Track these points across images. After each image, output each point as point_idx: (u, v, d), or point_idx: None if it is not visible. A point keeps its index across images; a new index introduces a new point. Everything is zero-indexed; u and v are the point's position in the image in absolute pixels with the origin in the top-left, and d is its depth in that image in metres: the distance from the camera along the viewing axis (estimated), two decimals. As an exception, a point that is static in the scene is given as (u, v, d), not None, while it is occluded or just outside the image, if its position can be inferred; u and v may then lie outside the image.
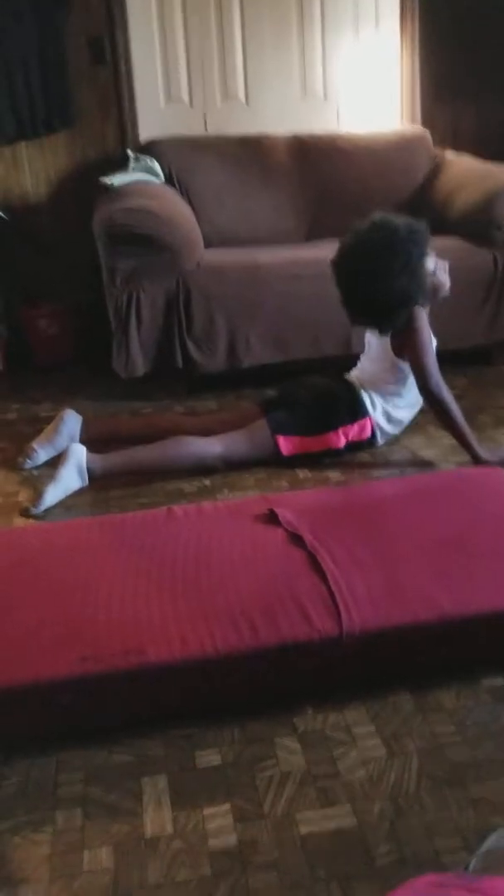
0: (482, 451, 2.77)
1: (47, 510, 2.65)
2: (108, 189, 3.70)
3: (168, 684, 1.77)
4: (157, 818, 1.53)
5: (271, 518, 2.23)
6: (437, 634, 1.83)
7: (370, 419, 2.93)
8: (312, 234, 4.18)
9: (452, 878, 0.88)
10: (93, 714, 1.77)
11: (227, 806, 1.55)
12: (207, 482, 2.81)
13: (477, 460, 2.77)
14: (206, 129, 4.35)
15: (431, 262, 2.84)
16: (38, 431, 3.09)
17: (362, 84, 4.47)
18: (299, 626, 1.80)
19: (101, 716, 1.78)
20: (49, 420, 3.10)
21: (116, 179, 3.75)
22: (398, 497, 2.36)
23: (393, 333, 2.87)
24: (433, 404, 2.83)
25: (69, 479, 2.73)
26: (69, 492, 2.73)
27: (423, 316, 2.82)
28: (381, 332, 2.90)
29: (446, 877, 0.88)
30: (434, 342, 2.86)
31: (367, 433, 2.95)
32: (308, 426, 2.90)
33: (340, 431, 2.91)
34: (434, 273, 2.85)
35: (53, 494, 2.68)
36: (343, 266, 2.84)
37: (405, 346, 2.83)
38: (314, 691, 1.82)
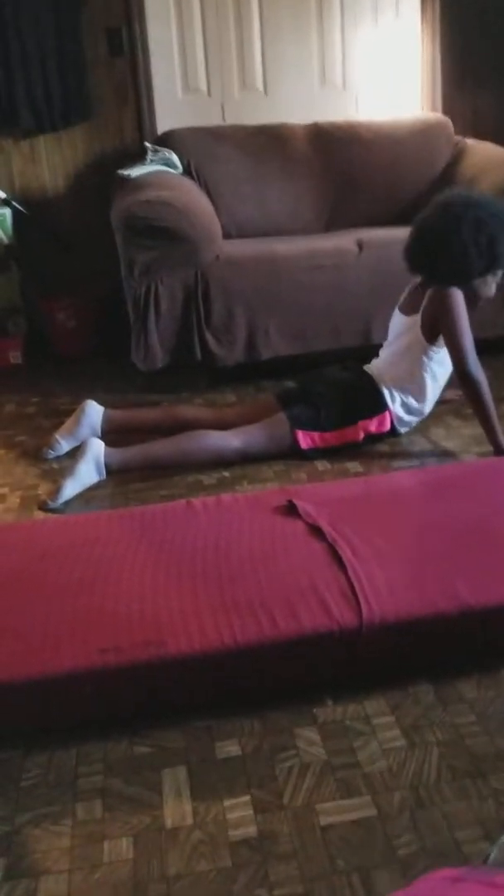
0: None
1: (67, 503, 2.66)
2: (127, 181, 3.70)
3: (188, 676, 1.77)
4: (177, 809, 1.53)
5: (290, 510, 2.23)
6: (457, 625, 1.82)
7: (389, 412, 2.92)
8: (332, 223, 4.16)
9: (469, 871, 0.87)
10: (113, 706, 1.77)
11: (247, 797, 1.55)
12: (227, 474, 2.80)
13: (499, 450, 2.75)
14: (223, 120, 4.33)
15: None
16: (58, 424, 3.09)
17: (382, 72, 4.44)
18: (319, 617, 1.80)
19: (123, 707, 1.78)
20: (68, 413, 3.11)
21: (134, 172, 3.74)
22: (418, 488, 2.35)
23: (426, 314, 2.85)
24: (468, 385, 2.80)
25: (86, 474, 2.74)
26: (86, 486, 2.74)
27: (459, 296, 2.80)
28: (430, 281, 2.89)
29: (463, 871, 0.87)
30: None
31: (387, 426, 2.93)
32: (327, 421, 2.89)
33: (360, 425, 2.90)
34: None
35: (71, 489, 2.69)
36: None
37: (441, 326, 2.81)
38: (334, 682, 1.81)
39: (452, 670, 1.82)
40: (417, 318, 2.88)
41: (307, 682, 1.82)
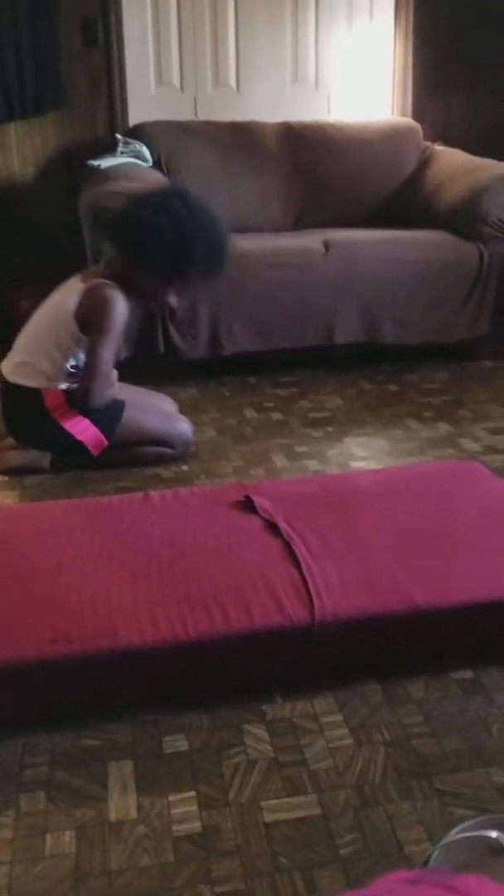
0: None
1: (23, 488, 2.64)
2: (96, 171, 3.67)
3: (138, 668, 1.76)
4: (121, 803, 1.52)
5: (247, 505, 2.22)
6: (408, 625, 1.83)
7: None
8: (299, 223, 4.16)
9: (426, 874, 0.88)
10: (62, 696, 1.76)
11: (192, 792, 1.54)
12: (185, 468, 2.80)
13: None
14: (195, 115, 4.33)
15: None
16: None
17: (354, 75, 4.46)
18: (272, 612, 1.79)
19: (70, 698, 1.76)
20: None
21: (105, 163, 3.72)
22: (374, 488, 2.35)
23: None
24: None
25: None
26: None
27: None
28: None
29: (420, 873, 0.88)
30: None
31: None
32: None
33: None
34: None
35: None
36: None
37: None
38: (284, 679, 1.81)
39: (401, 670, 1.83)
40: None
41: (258, 679, 1.81)
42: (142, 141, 3.97)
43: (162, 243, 2.58)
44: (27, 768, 1.61)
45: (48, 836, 1.46)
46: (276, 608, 1.80)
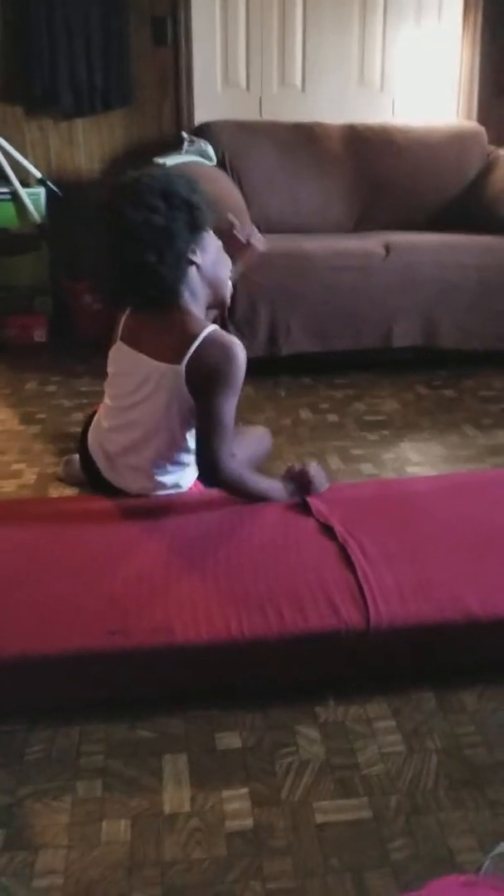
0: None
1: (83, 483, 2.67)
2: (161, 169, 3.71)
3: (193, 664, 1.79)
4: (175, 796, 1.55)
5: (303, 507, 2.23)
6: (463, 634, 1.83)
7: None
8: (360, 225, 4.17)
9: (484, 878, 0.89)
10: (118, 688, 1.79)
11: (245, 789, 1.56)
12: (242, 467, 2.82)
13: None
14: (260, 115, 4.36)
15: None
16: (79, 406, 3.11)
17: (420, 77, 4.45)
18: (327, 616, 1.81)
19: (126, 690, 1.80)
20: (89, 395, 3.14)
21: (170, 160, 3.76)
22: (431, 494, 2.35)
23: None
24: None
25: None
26: None
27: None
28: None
29: (477, 877, 0.89)
30: None
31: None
32: None
33: None
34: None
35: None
36: None
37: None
38: (337, 682, 1.82)
39: (456, 679, 1.83)
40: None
41: (310, 680, 1.83)
42: (207, 140, 4.00)
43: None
44: (84, 756, 1.64)
45: (104, 824, 1.49)
46: (331, 612, 1.81)
